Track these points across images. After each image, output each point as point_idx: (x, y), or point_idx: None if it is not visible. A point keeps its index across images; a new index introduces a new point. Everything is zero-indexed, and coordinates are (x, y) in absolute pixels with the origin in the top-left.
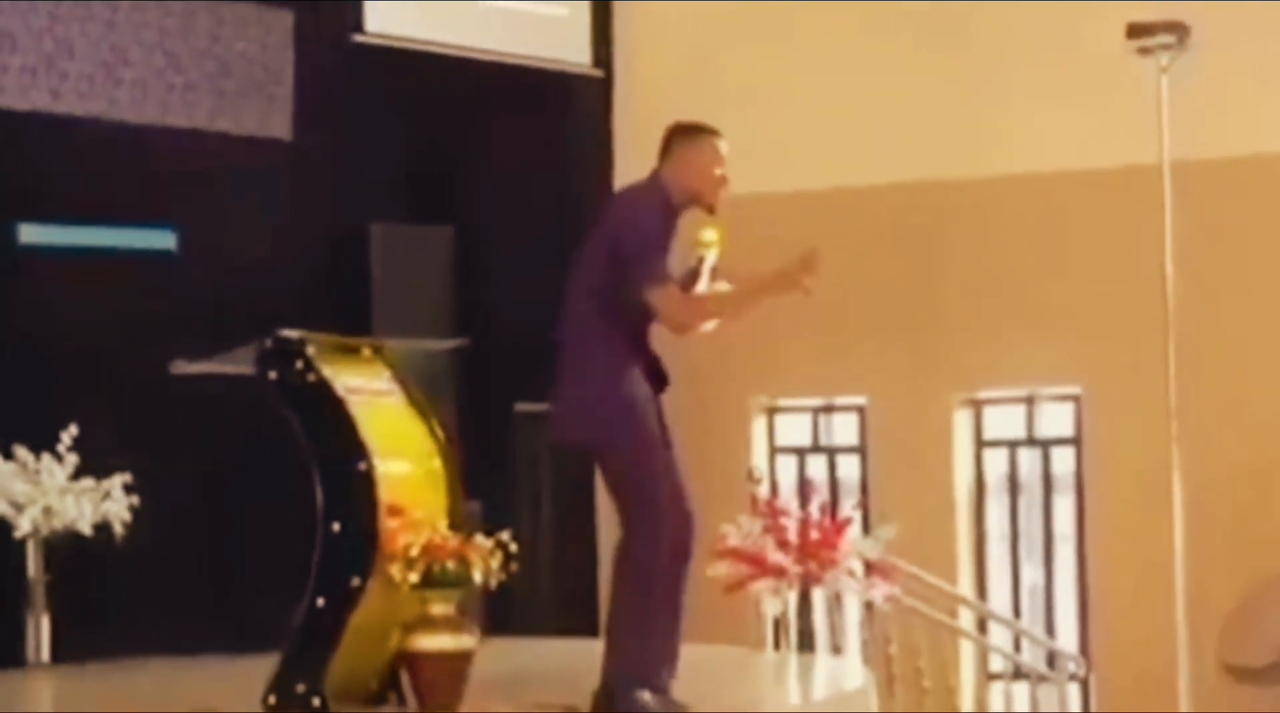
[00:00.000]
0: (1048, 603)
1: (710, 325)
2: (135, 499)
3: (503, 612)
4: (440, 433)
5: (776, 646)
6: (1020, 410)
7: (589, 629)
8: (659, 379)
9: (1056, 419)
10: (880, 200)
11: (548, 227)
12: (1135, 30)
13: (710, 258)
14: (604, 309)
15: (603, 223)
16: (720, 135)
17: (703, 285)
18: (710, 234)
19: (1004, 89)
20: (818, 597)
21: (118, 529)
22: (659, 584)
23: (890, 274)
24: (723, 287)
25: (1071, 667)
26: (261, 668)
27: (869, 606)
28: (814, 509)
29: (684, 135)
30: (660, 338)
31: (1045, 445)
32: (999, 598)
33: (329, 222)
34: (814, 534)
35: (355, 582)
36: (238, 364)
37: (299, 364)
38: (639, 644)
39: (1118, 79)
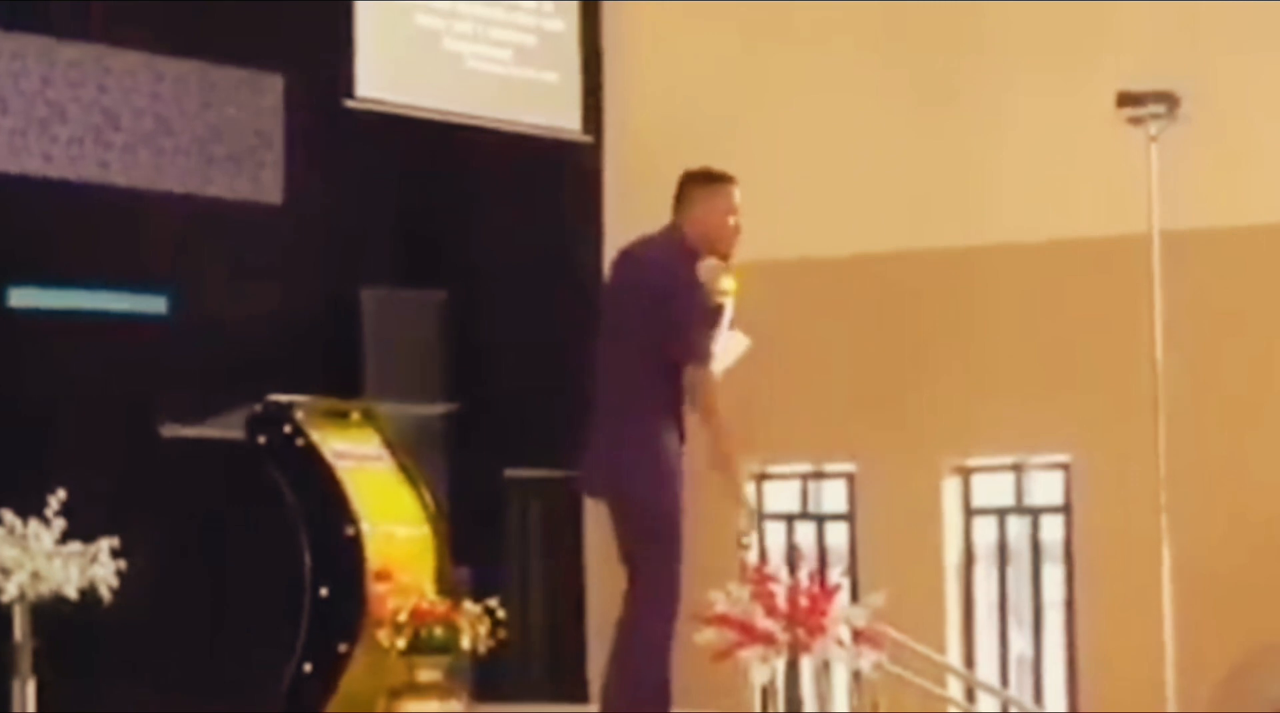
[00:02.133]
0: (1036, 672)
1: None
2: (122, 564)
3: (491, 678)
4: (429, 498)
5: None
6: (1009, 479)
7: (578, 696)
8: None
9: (1046, 487)
10: (871, 269)
11: (538, 291)
12: (1125, 99)
13: (729, 307)
14: (656, 366)
15: (645, 277)
16: (736, 182)
17: (723, 333)
18: (729, 283)
19: (994, 158)
20: (806, 665)
21: (104, 594)
22: (661, 647)
23: (880, 342)
24: (736, 336)
25: None
26: None
27: (857, 674)
28: (803, 576)
29: (703, 183)
30: None
31: (1034, 514)
32: (987, 667)
33: (320, 285)
34: (803, 602)
35: (343, 647)
36: (227, 428)
37: (288, 429)
38: (639, 704)
39: (1107, 148)
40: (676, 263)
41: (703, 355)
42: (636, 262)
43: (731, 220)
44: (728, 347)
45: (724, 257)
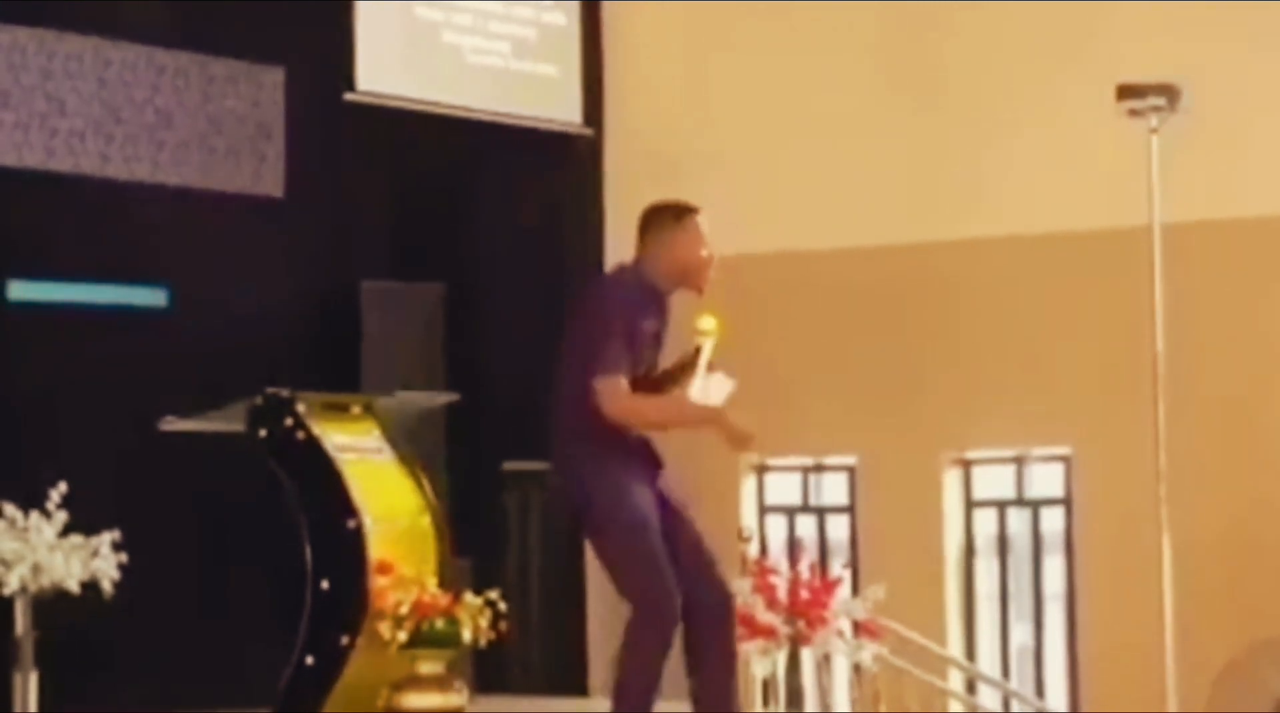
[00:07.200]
0: (1037, 664)
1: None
2: (124, 557)
3: (492, 670)
4: (429, 490)
5: (766, 705)
6: (1010, 471)
7: (578, 688)
8: (654, 459)
9: (1046, 479)
10: (871, 261)
11: (538, 284)
12: (1125, 92)
13: (707, 348)
14: (583, 391)
15: (583, 305)
16: (700, 211)
17: (699, 377)
18: (708, 323)
19: (994, 151)
20: (807, 657)
21: (106, 587)
22: (657, 661)
23: (880, 335)
24: (719, 378)
25: None
26: None
27: (858, 666)
28: (803, 569)
29: (663, 217)
30: None
31: (1035, 506)
32: (988, 659)
33: (320, 279)
34: (803, 594)
35: (344, 640)
36: (228, 421)
37: (289, 422)
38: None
39: (1108, 141)
40: (605, 284)
41: (606, 367)
42: (585, 291)
43: (703, 252)
44: (709, 389)
45: (697, 290)
